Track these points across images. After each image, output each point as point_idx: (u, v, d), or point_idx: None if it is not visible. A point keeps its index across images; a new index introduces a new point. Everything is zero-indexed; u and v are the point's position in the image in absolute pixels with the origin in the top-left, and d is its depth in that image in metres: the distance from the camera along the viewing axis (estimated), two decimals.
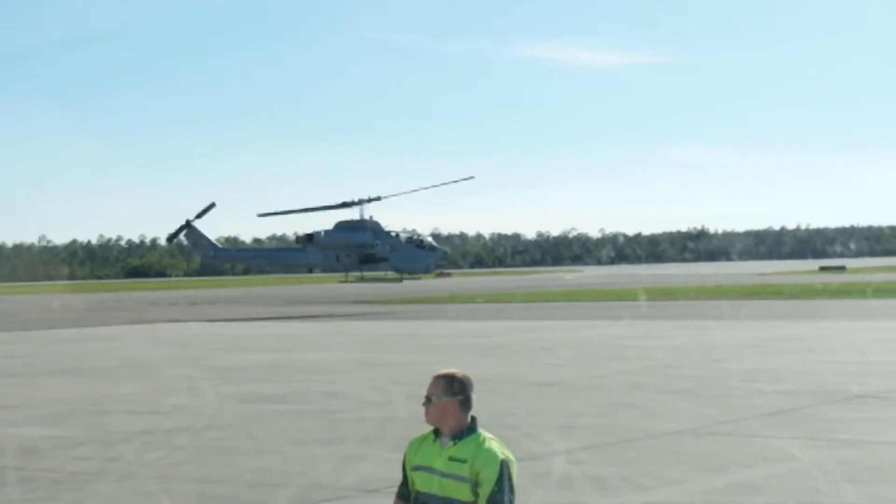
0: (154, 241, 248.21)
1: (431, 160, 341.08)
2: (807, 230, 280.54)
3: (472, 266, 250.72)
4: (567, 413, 18.70)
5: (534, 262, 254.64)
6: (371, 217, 66.62)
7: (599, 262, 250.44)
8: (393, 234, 68.24)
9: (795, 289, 71.82)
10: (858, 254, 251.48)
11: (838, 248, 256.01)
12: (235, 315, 59.89)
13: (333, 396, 21.81)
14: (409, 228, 70.29)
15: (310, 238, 64.86)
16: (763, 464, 13.86)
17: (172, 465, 14.73)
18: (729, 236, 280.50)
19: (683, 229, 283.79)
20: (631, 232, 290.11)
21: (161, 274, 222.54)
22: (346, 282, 71.56)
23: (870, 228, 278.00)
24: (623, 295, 72.39)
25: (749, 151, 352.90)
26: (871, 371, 23.86)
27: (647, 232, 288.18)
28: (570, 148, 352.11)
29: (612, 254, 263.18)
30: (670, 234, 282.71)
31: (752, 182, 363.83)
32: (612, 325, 43.11)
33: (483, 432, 6.40)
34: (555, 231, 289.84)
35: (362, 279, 71.13)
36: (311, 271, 70.24)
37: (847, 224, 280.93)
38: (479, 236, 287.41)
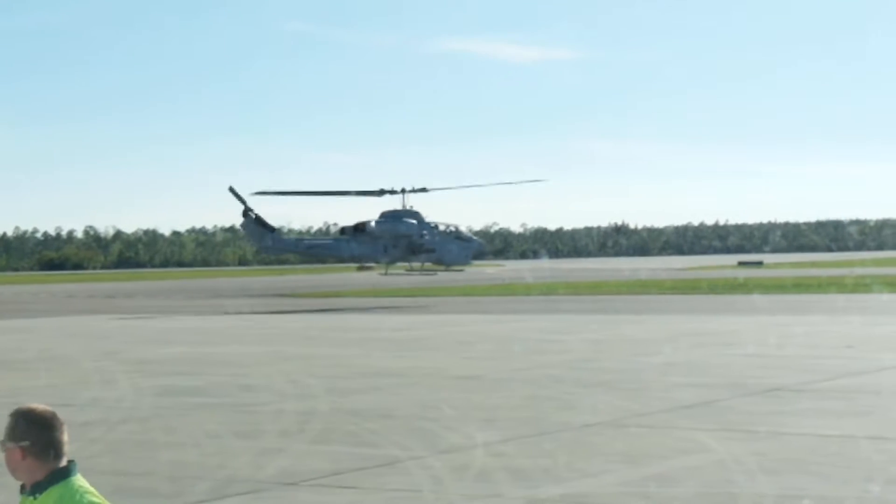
0: (70, 233, 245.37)
1: (352, 153, 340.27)
2: (726, 226, 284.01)
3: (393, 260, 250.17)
4: (487, 406, 18.75)
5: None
6: (412, 207, 64.87)
7: (521, 257, 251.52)
8: (432, 224, 66.63)
9: (714, 283, 72.64)
10: (776, 249, 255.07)
11: (757, 244, 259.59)
12: (153, 308, 59.30)
13: (251, 390, 21.66)
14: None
15: (361, 228, 62.73)
16: (680, 455, 13.98)
17: (88, 458, 14.50)
18: (650, 231, 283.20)
19: (605, 224, 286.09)
20: (553, 226, 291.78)
21: (78, 266, 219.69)
22: (386, 274, 69.72)
23: (787, 224, 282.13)
24: (544, 289, 72.75)
25: (671, 147, 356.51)
26: (786, 364, 24.19)
27: (569, 226, 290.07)
28: (491, 142, 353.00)
29: (535, 248, 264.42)
30: (592, 228, 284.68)
31: (674, 177, 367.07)
32: (533, 319, 43.28)
33: (74, 481, 5.00)
34: (476, 225, 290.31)
35: (412, 270, 69.54)
36: (359, 262, 67.74)
37: (765, 220, 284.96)
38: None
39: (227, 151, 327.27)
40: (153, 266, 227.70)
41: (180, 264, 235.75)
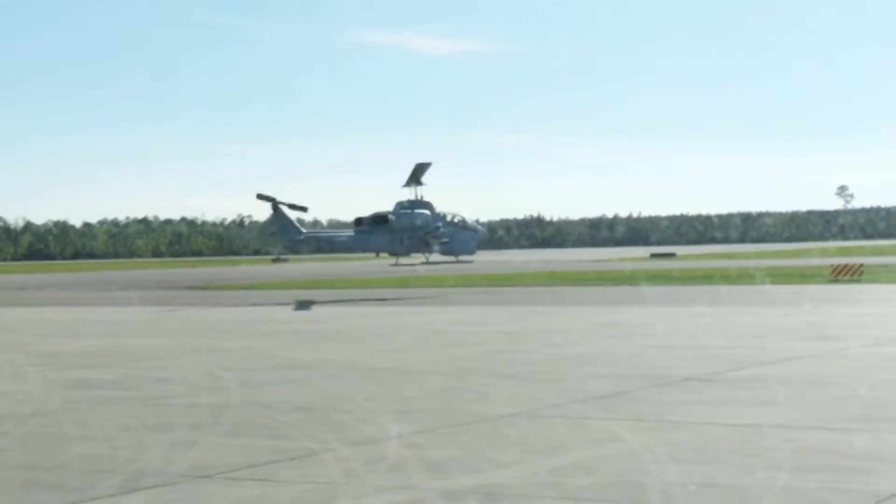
0: None
1: (265, 144, 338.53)
2: (638, 218, 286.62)
3: (309, 252, 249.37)
4: (401, 398, 18.77)
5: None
6: (422, 197, 63.77)
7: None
8: (442, 215, 65.59)
9: (627, 275, 73.30)
10: (688, 241, 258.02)
11: (669, 235, 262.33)
12: (64, 300, 58.50)
13: (164, 382, 21.48)
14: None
15: (381, 221, 61.50)
16: (593, 445, 14.12)
17: None
18: (564, 223, 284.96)
19: (520, 216, 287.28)
20: (469, 218, 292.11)
21: None
22: (396, 265, 68.61)
23: (699, 217, 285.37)
24: (459, 281, 72.91)
25: (585, 140, 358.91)
26: (698, 355, 24.51)
27: (484, 219, 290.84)
28: (408, 134, 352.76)
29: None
30: (507, 220, 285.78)
31: (587, 170, 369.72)
32: (449, 311, 43.38)
33: None
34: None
35: (427, 262, 68.47)
36: (377, 255, 66.55)
37: (677, 212, 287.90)
38: (315, 222, 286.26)
39: (140, 142, 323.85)
40: (64, 258, 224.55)
41: (92, 256, 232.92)
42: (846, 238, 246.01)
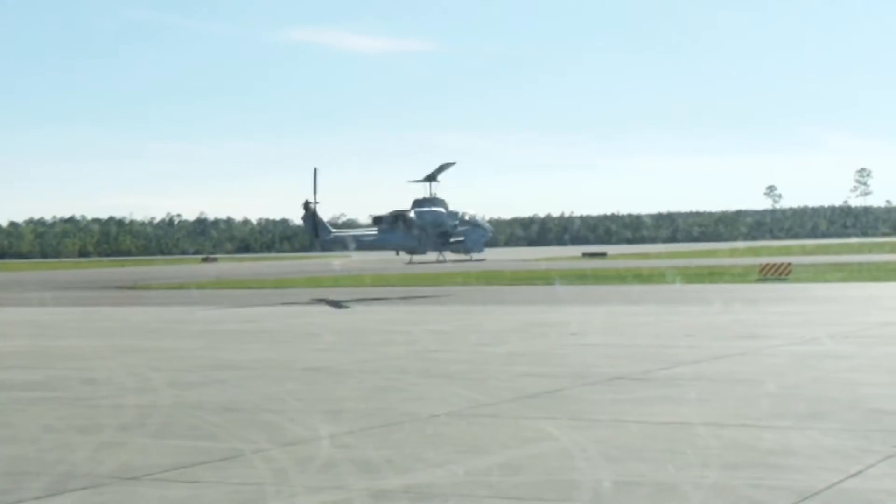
0: None
1: (194, 143, 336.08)
2: (570, 217, 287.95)
3: (238, 251, 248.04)
4: (333, 398, 18.68)
5: (302, 248, 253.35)
6: (436, 194, 62.46)
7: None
8: (455, 212, 64.28)
9: (559, 274, 73.61)
10: (620, 240, 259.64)
11: (601, 234, 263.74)
12: None
13: (91, 383, 21.21)
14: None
15: (402, 219, 60.20)
16: (524, 444, 14.13)
17: None
18: (496, 223, 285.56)
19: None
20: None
21: None
22: (411, 263, 67.14)
23: (629, 216, 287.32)
24: (392, 280, 72.82)
25: (518, 139, 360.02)
26: (629, 353, 24.65)
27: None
28: (340, 132, 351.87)
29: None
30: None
31: (521, 170, 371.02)
32: (380, 310, 43.32)
33: None
34: (324, 216, 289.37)
35: (443, 260, 67.14)
36: (397, 253, 64.74)
37: (609, 211, 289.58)
38: (246, 221, 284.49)
39: (67, 140, 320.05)
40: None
41: (19, 256, 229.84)
42: (774, 237, 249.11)
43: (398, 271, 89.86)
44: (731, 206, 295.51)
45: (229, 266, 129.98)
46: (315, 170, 58.58)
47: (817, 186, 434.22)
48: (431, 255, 67.00)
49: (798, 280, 60.38)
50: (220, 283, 74.98)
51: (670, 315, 37.06)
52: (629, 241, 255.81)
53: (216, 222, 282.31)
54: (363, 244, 61.87)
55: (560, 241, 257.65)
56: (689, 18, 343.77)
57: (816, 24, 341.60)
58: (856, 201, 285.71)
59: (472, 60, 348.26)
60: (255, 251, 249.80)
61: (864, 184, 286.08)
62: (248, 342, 30.02)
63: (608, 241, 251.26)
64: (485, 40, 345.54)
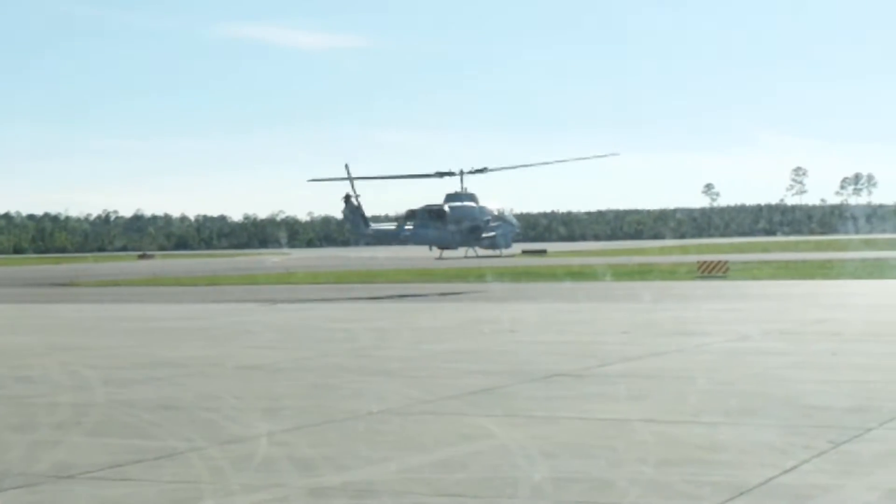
0: None
1: (133, 139, 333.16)
2: (515, 215, 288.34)
3: (176, 248, 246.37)
4: (271, 396, 18.58)
5: (241, 245, 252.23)
6: (466, 189, 61.41)
7: (307, 245, 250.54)
8: (485, 207, 63.16)
9: (499, 271, 73.75)
10: (559, 238, 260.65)
11: (540, 232, 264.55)
12: None
13: (26, 381, 20.95)
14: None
15: (439, 213, 59.03)
16: (464, 441, 14.12)
17: None
18: None
19: (391, 213, 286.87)
20: (339, 214, 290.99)
21: None
22: (441, 258, 65.75)
23: (569, 214, 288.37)
24: (330, 277, 72.66)
25: (457, 136, 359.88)
26: (568, 350, 24.74)
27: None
28: (279, 129, 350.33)
29: (321, 236, 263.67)
30: (379, 217, 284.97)
31: (457, 165, 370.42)
32: (319, 308, 43.18)
33: None
34: (262, 213, 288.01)
35: (476, 255, 65.81)
36: (431, 248, 63.38)
37: (548, 209, 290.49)
38: (183, 218, 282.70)
39: (2, 136, 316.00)
40: None
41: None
42: (712, 235, 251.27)
43: (336, 268, 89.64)
44: (670, 203, 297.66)
45: (166, 263, 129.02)
46: (347, 165, 57.99)
47: (754, 185, 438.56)
48: (460, 251, 65.99)
49: (735, 278, 60.93)
50: (157, 281, 74.41)
51: (608, 312, 37.26)
52: (566, 239, 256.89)
53: (153, 219, 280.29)
54: (400, 239, 61.07)
55: None
56: (627, 16, 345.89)
57: (753, 22, 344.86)
58: (791, 200, 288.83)
59: (409, 57, 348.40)
60: (192, 248, 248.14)
61: (800, 182, 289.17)
62: (185, 340, 29.80)
63: (547, 239, 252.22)
64: (421, 37, 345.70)
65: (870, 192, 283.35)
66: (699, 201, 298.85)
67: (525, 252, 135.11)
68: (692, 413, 15.98)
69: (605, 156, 75.54)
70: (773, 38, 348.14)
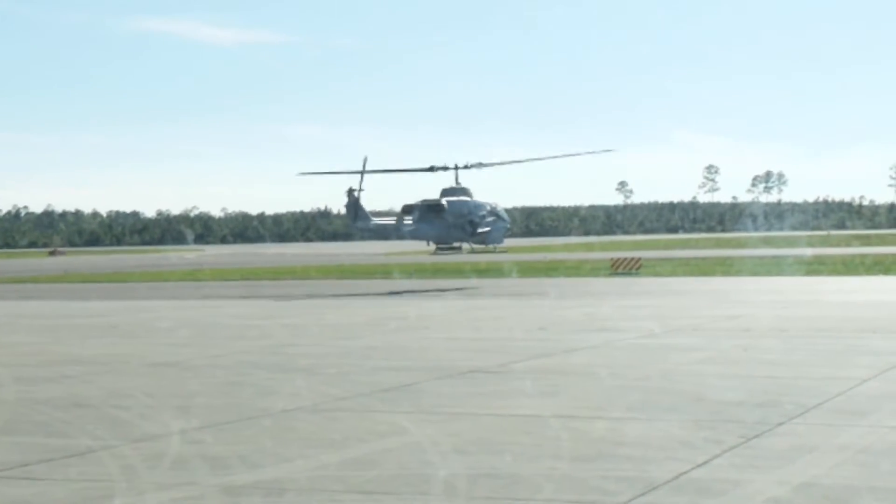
0: None
1: (44, 133, 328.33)
2: None
3: (87, 244, 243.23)
4: (184, 393, 18.40)
5: (154, 241, 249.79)
6: (460, 183, 60.15)
7: (222, 241, 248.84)
8: (480, 202, 61.90)
9: (415, 268, 73.77)
10: None
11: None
12: None
13: None
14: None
15: (438, 207, 57.70)
16: (378, 438, 14.10)
17: None
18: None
19: (307, 209, 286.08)
20: (254, 211, 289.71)
21: None
22: (436, 253, 64.30)
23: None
24: (245, 274, 72.18)
25: (369, 132, 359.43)
26: (483, 347, 24.81)
27: (270, 211, 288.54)
28: (191, 124, 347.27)
29: (236, 232, 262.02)
30: (294, 213, 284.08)
31: (375, 162, 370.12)
32: (232, 305, 42.87)
33: None
34: (175, 209, 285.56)
35: (472, 251, 64.40)
36: (428, 243, 61.87)
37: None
38: (95, 214, 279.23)
39: None
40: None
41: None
42: (626, 232, 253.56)
43: (247, 265, 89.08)
44: (585, 201, 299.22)
45: (76, 259, 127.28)
46: (365, 158, 57.15)
47: (667, 182, 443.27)
48: (458, 247, 65.15)
49: (648, 274, 61.54)
50: (67, 277, 73.37)
51: (523, 309, 37.44)
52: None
53: (64, 214, 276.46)
54: (401, 233, 60.18)
55: None
56: (539, 13, 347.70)
57: (667, 20, 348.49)
58: (704, 197, 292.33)
59: (324, 52, 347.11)
60: (104, 244, 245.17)
61: (712, 180, 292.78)
62: (95, 337, 29.41)
63: None
64: (336, 32, 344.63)
65: (780, 190, 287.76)
66: (614, 198, 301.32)
67: (439, 248, 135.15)
68: (605, 409, 16.10)
69: (599, 151, 74.04)
70: (686, 37, 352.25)
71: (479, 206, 60.64)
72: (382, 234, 60.38)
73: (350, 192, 57.17)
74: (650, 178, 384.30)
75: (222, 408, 16.73)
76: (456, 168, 59.17)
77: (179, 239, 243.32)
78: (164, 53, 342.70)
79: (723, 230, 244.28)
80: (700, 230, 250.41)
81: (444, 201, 58.70)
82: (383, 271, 71.11)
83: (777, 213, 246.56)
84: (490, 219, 61.08)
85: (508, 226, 65.64)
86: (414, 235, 59.69)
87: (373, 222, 58.72)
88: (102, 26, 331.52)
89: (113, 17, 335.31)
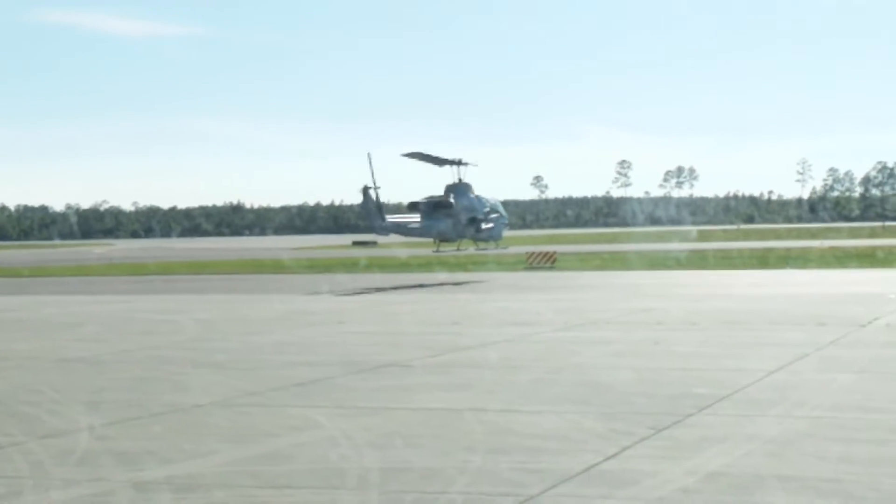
0: None
1: None
2: (340, 206, 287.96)
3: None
4: (93, 389, 18.16)
5: (63, 236, 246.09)
6: (462, 179, 58.65)
7: (132, 236, 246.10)
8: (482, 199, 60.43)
9: (328, 263, 73.55)
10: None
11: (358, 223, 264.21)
12: None
13: None
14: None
15: (446, 204, 56.06)
16: (291, 433, 14.02)
17: None
18: (265, 211, 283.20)
19: (220, 203, 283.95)
20: (166, 205, 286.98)
21: None
22: (437, 251, 62.70)
23: (399, 205, 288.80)
24: (156, 269, 71.44)
25: (283, 126, 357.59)
26: (397, 341, 24.78)
27: (182, 206, 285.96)
28: (100, 118, 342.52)
29: (147, 227, 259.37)
30: (206, 208, 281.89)
31: (286, 157, 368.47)
32: (143, 300, 42.39)
33: None
34: (85, 204, 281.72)
35: (479, 248, 62.67)
36: (435, 240, 60.13)
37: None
38: (3, 208, 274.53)
39: None
40: None
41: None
42: (541, 227, 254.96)
43: (159, 259, 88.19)
44: (500, 195, 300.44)
45: None
46: (369, 154, 56.22)
47: (582, 177, 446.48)
48: (460, 245, 64.17)
49: (563, 268, 61.93)
50: None
51: (438, 303, 37.48)
52: None
53: None
54: (412, 231, 59.19)
55: (330, 230, 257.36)
56: (455, 8, 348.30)
57: (577, 15, 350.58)
58: (617, 192, 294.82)
59: (235, 47, 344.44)
60: (12, 239, 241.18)
61: (625, 175, 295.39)
62: (2, 332, 28.92)
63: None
64: (247, 27, 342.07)
65: (691, 185, 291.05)
66: (529, 193, 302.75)
67: (356, 243, 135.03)
68: (520, 402, 16.16)
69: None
70: (598, 31, 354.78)
71: (482, 202, 60.22)
72: (395, 231, 59.69)
73: (366, 189, 56.34)
74: (565, 172, 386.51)
75: (132, 403, 16.53)
76: (460, 163, 58.68)
77: (89, 233, 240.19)
78: (72, 46, 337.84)
79: (635, 224, 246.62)
80: (613, 225, 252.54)
81: (451, 198, 58.14)
82: (296, 266, 70.76)
83: (690, 208, 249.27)
84: (494, 215, 60.74)
85: (507, 221, 65.32)
86: (421, 233, 59.16)
87: (388, 220, 58.06)
88: (7, 18, 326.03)
89: (19, 8, 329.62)
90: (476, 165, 60.04)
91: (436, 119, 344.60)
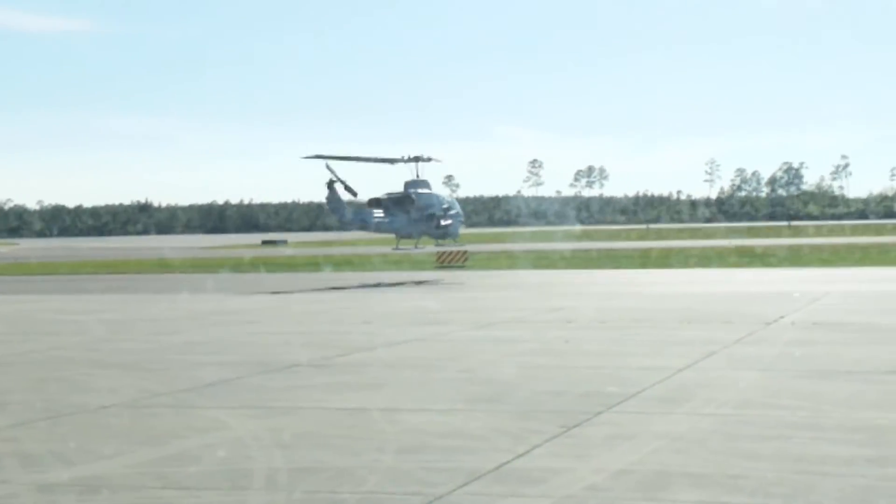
0: None
1: None
2: (250, 205, 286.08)
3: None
4: None
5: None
6: (420, 176, 57.08)
7: (38, 235, 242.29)
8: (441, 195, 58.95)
9: (237, 262, 72.99)
10: (300, 228, 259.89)
11: (281, 222, 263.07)
12: None
13: None
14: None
15: (404, 201, 54.38)
16: (198, 434, 13.86)
17: None
18: (173, 210, 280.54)
19: (127, 202, 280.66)
20: (72, 204, 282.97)
21: None
22: (397, 249, 61.04)
23: (310, 204, 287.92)
24: (60, 268, 70.38)
25: (192, 124, 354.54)
26: (307, 341, 24.63)
27: (88, 204, 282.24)
28: (4, 115, 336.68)
29: (52, 226, 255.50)
30: (114, 206, 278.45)
31: (195, 155, 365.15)
32: (48, 300, 41.72)
33: None
34: None
35: (439, 245, 61.09)
36: (397, 238, 58.43)
37: (288, 199, 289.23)
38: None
39: None
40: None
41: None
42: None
43: (65, 259, 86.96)
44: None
45: None
46: (327, 163, 55.17)
47: (493, 177, 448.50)
48: (420, 242, 63.34)
49: (474, 267, 62.08)
50: None
51: (349, 302, 37.35)
52: (308, 229, 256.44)
53: None
54: (375, 227, 58.10)
55: (239, 229, 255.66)
56: (366, 7, 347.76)
57: (484, 13, 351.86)
58: (528, 191, 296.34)
59: (145, 44, 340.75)
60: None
61: (536, 174, 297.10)
62: None
63: (289, 229, 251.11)
64: (157, 24, 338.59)
65: (601, 185, 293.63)
66: (441, 192, 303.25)
67: (265, 242, 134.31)
68: (431, 401, 16.14)
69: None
70: (507, 31, 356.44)
71: (440, 199, 59.86)
72: (361, 226, 59.09)
73: (331, 184, 55.55)
74: (476, 172, 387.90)
75: (37, 405, 16.24)
76: (418, 160, 58.15)
77: None
78: None
79: (546, 224, 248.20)
80: (524, 224, 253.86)
81: (412, 194, 57.61)
82: (205, 265, 70.14)
83: (598, 208, 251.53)
84: (452, 212, 60.38)
85: (462, 218, 65.06)
86: (381, 229, 58.57)
87: (351, 216, 57.36)
88: None
89: None
90: (440, 161, 59.75)
91: (345, 119, 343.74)
